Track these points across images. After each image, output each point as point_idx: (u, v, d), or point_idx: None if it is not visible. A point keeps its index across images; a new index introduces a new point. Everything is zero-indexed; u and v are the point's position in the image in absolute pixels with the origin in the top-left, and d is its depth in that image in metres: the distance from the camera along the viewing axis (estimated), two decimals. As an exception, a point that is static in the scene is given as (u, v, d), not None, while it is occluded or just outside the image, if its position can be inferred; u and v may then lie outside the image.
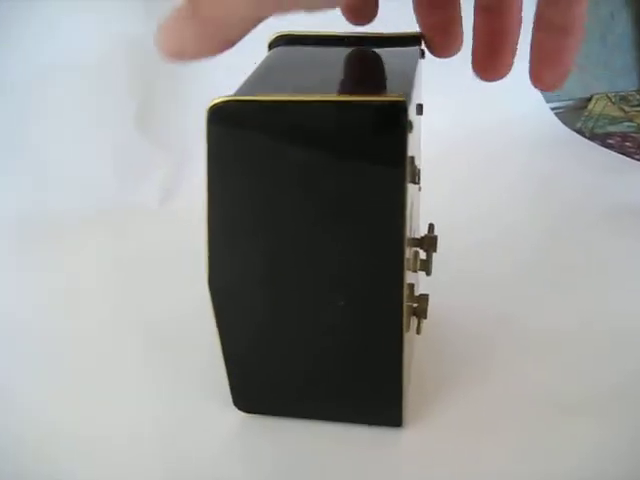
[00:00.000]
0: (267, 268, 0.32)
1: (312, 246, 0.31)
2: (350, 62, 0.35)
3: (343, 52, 0.36)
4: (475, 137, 0.75)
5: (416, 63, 0.34)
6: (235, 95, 0.30)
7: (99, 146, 0.66)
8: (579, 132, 0.80)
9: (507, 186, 0.67)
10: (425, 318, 0.38)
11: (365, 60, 0.36)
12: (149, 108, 0.68)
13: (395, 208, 0.30)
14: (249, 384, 0.37)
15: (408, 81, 0.31)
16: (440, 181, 0.59)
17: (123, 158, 0.67)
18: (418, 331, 0.38)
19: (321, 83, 0.32)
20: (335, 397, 0.36)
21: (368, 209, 0.30)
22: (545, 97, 0.83)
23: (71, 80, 0.65)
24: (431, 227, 0.38)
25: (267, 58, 0.36)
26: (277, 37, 0.37)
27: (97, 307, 0.50)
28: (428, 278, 0.38)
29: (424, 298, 0.38)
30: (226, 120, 0.29)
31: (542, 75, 0.32)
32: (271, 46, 0.38)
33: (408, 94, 0.29)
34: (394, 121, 0.28)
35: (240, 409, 0.38)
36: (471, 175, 0.68)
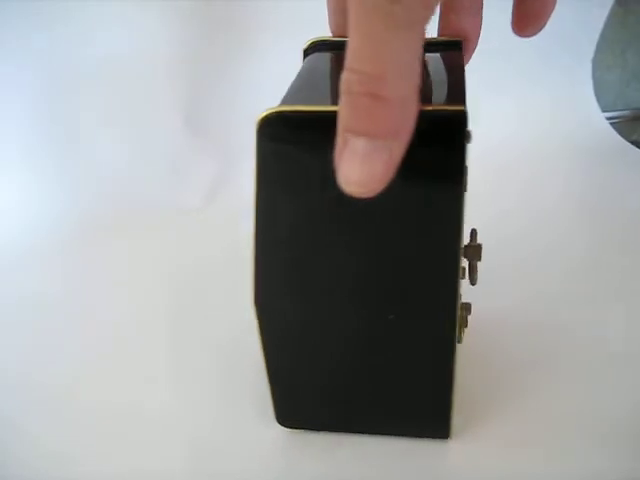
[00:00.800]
0: (316, 283, 0.32)
1: (365, 261, 0.31)
2: None
3: None
4: (527, 145, 0.73)
5: (463, 69, 0.33)
6: (285, 105, 0.29)
7: (146, 146, 0.67)
8: (635, 144, 0.77)
9: (558, 196, 0.65)
10: (466, 327, 0.37)
11: None
12: (196, 109, 0.68)
13: (452, 219, 0.29)
14: (293, 400, 0.36)
15: (459, 88, 0.29)
16: (491, 190, 0.59)
17: (169, 158, 0.67)
18: (459, 340, 0.37)
19: None
20: (382, 410, 0.36)
21: (424, 221, 0.29)
22: (601, 106, 0.81)
23: (120, 81, 0.65)
24: (473, 233, 0.36)
25: (308, 65, 0.35)
26: (312, 43, 0.36)
27: (137, 310, 0.50)
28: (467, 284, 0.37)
29: (466, 306, 0.37)
30: (278, 132, 0.28)
31: (523, 31, 0.35)
32: (307, 52, 0.36)
33: (464, 103, 0.28)
34: (454, 132, 0.27)
35: (283, 425, 0.37)
36: (522, 184, 0.67)
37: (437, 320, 0.32)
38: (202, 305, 0.50)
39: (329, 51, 0.36)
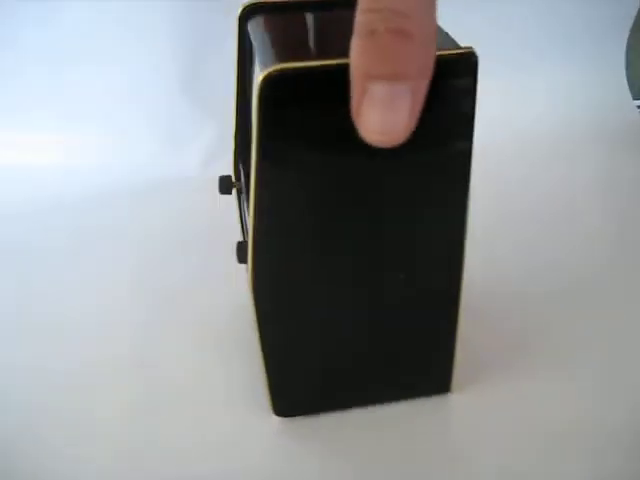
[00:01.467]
0: (320, 253, 0.30)
1: (374, 220, 0.29)
2: None
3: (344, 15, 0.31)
4: (556, 130, 0.71)
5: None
6: (284, 63, 0.25)
7: (143, 113, 0.66)
8: (667, 133, 0.74)
9: (584, 182, 0.63)
10: None
11: None
12: (194, 76, 0.67)
13: (463, 168, 0.28)
14: (290, 386, 0.35)
15: (445, 35, 0.28)
16: (516, 173, 0.58)
17: (166, 125, 0.66)
18: None
19: None
20: (382, 377, 0.35)
21: (436, 170, 0.28)
22: (633, 94, 0.77)
23: (118, 47, 0.64)
24: None
25: (260, 29, 0.31)
26: (246, 8, 0.33)
27: (125, 282, 0.49)
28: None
29: None
30: (283, 92, 0.25)
31: None
32: (242, 18, 0.33)
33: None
34: (467, 74, 0.26)
35: (280, 415, 0.35)
36: (549, 169, 0.64)
37: (444, 274, 0.32)
38: (192, 281, 0.48)
39: (269, 14, 0.33)
